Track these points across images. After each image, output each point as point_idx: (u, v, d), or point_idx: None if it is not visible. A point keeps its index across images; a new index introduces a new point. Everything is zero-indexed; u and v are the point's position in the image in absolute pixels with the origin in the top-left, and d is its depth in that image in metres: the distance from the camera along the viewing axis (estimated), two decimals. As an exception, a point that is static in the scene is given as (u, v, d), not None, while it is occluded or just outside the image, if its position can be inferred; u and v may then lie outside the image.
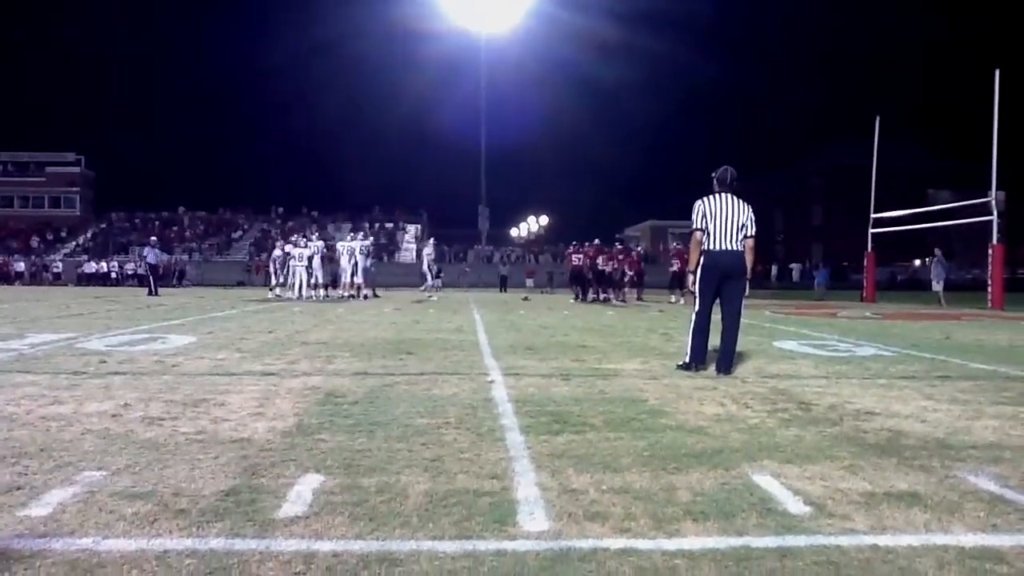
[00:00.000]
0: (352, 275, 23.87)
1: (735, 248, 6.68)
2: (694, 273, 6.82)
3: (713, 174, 6.94)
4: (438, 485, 3.28)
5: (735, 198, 6.76)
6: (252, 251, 56.37)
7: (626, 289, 25.36)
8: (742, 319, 6.97)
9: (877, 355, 8.64)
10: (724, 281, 6.73)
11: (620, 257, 24.95)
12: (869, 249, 29.32)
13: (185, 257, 53.88)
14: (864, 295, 28.89)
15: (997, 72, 21.87)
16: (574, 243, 27.35)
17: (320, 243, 24.73)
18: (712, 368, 6.87)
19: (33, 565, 2.38)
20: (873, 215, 28.47)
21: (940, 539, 2.70)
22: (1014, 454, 3.94)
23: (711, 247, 6.66)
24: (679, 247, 23.78)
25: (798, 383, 6.33)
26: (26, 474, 3.36)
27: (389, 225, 63.81)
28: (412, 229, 64.02)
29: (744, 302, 6.91)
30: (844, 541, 2.67)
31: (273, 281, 24.42)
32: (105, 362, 7.14)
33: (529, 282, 36.69)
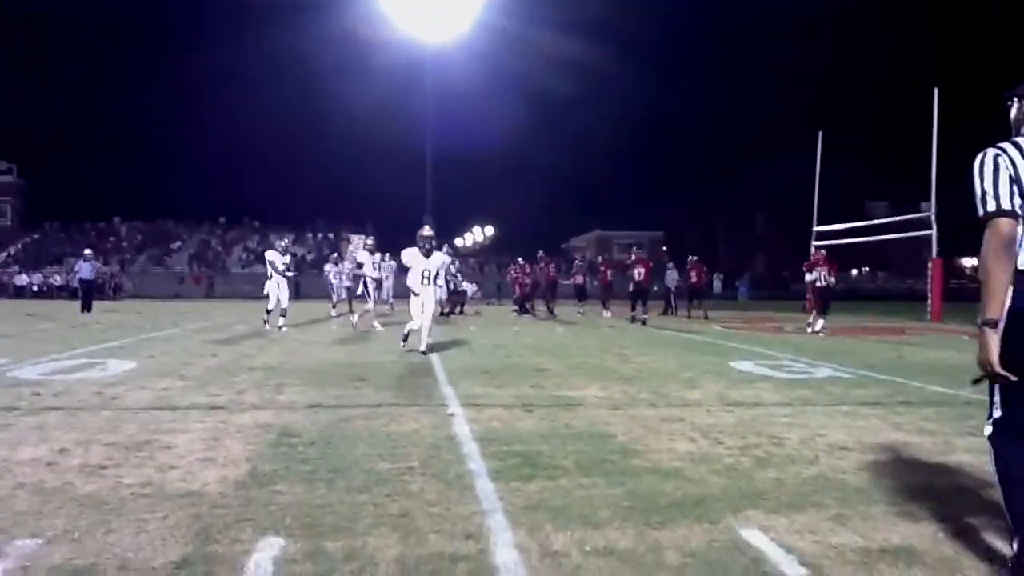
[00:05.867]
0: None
1: None
2: (988, 323, 2.63)
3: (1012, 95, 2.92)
4: (409, 548, 3.05)
5: None
6: (192, 262, 54.94)
7: (543, 300, 24.24)
8: None
9: (835, 377, 8.63)
10: None
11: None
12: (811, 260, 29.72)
13: (120, 269, 52.20)
14: (807, 306, 29.27)
15: (936, 91, 22.44)
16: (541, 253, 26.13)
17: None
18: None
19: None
20: (816, 228, 28.94)
21: (948, 607, 2.57)
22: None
23: None
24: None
25: (764, 412, 6.24)
26: (-50, 545, 3.03)
27: (331, 236, 62.77)
28: (356, 239, 63.28)
29: None
30: (850, 613, 2.51)
31: (335, 298, 20.40)
32: (39, 394, 6.71)
33: (478, 293, 36.34)
